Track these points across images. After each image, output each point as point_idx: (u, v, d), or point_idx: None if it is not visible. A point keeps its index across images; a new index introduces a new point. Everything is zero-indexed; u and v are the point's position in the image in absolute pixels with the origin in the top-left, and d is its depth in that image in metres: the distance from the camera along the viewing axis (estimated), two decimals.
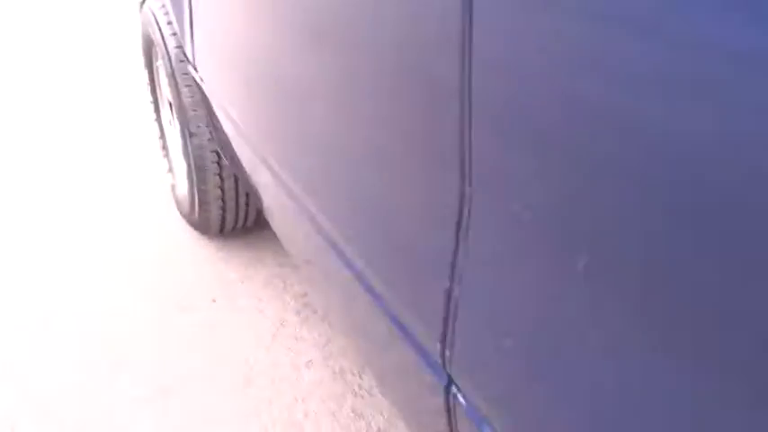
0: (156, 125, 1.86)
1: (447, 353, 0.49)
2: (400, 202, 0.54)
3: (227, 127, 1.21)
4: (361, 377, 1.30)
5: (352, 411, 1.22)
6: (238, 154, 1.20)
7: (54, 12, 3.85)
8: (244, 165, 1.21)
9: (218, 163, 1.47)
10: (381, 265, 0.59)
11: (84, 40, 3.40)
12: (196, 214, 1.62)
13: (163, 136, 1.81)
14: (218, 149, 1.42)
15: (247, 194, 1.54)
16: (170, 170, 1.80)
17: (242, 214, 1.60)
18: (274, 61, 0.87)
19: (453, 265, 0.45)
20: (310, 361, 1.33)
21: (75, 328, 1.41)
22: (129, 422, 1.19)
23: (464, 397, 0.49)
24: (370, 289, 0.61)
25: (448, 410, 0.51)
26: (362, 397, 1.25)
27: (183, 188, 1.68)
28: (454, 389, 0.50)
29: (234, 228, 1.66)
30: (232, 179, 1.50)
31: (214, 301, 1.51)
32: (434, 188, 0.48)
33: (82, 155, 2.17)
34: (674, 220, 0.32)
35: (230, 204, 1.55)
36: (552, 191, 0.39)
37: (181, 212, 1.75)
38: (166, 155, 1.81)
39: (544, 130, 0.38)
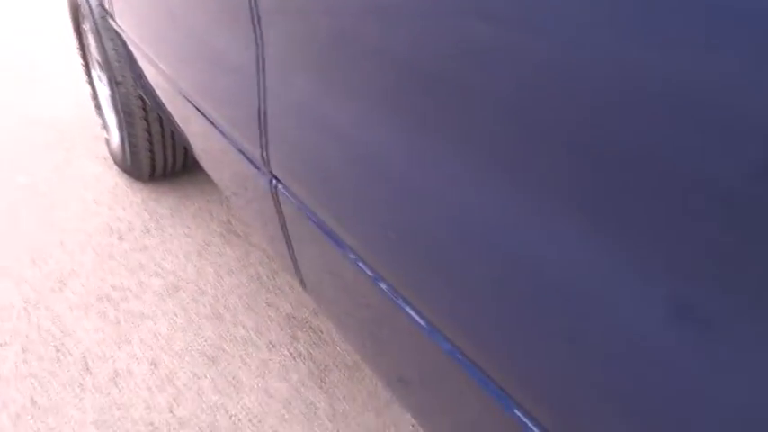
0: (88, 86, 2.03)
1: (265, 155, 0.72)
2: (233, 65, 0.77)
3: (147, 68, 1.41)
4: (274, 278, 1.52)
5: (266, 303, 1.44)
6: (159, 92, 1.41)
7: None
8: (164, 100, 1.41)
9: (144, 108, 1.66)
10: (224, 109, 0.83)
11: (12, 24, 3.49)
12: (128, 161, 1.81)
13: (95, 95, 1.99)
14: (143, 95, 1.62)
15: (173, 137, 1.74)
16: (104, 126, 1.98)
17: (169, 156, 1.80)
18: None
19: (259, 91, 0.68)
20: (231, 270, 1.55)
21: (28, 258, 1.59)
22: (73, 323, 1.39)
23: (284, 188, 0.72)
24: (217, 125, 0.85)
25: (275, 201, 0.74)
26: (275, 293, 1.48)
27: (115, 139, 1.87)
28: (275, 182, 0.73)
29: (164, 171, 1.85)
30: (157, 123, 1.69)
31: (148, 230, 1.71)
32: (244, 48, 0.70)
33: (17, 125, 2.31)
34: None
35: (158, 147, 1.75)
36: (312, 37, 0.62)
37: (115, 162, 1.94)
38: (100, 112, 1.99)
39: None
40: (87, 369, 1.27)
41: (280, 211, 0.75)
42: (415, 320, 0.57)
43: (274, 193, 0.74)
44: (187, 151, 1.78)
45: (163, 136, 1.73)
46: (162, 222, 1.74)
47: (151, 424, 1.15)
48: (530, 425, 0.46)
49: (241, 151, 0.80)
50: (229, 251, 1.62)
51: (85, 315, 1.41)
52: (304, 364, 1.28)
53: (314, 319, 1.40)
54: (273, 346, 1.32)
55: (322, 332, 1.36)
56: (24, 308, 1.43)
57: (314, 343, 1.33)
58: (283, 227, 0.76)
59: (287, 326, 1.37)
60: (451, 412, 0.63)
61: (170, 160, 1.81)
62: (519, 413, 0.47)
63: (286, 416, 1.16)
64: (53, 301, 1.45)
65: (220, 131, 0.86)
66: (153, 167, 1.81)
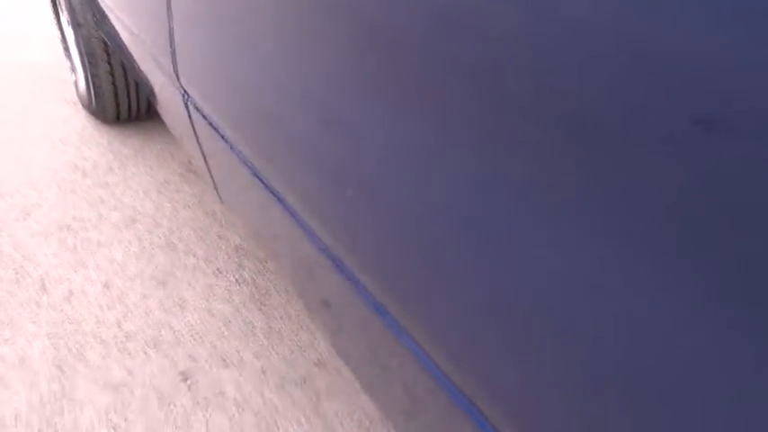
0: (58, 32, 2.08)
1: (176, 70, 0.79)
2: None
3: (104, 9, 1.46)
4: (228, 214, 1.60)
5: (217, 236, 1.53)
6: (114, 31, 1.46)
7: None
8: (118, 39, 1.47)
9: (106, 50, 1.72)
10: (149, 31, 0.90)
11: None
12: (94, 103, 1.87)
13: (64, 39, 2.04)
14: (104, 37, 1.67)
15: (136, 82, 1.80)
16: (72, 69, 2.04)
17: (133, 99, 1.86)
18: None
19: (168, 9, 0.75)
20: (187, 205, 1.63)
21: None
22: (33, 249, 1.47)
23: (192, 101, 0.79)
24: (149, 51, 0.93)
25: (188, 115, 0.82)
26: (227, 227, 1.56)
27: (82, 82, 1.93)
28: (186, 96, 0.80)
29: (128, 115, 1.92)
30: (120, 66, 1.75)
31: (111, 169, 1.78)
32: None
33: None
34: None
35: (121, 90, 1.81)
36: None
37: (83, 105, 2.00)
38: (68, 56, 2.04)
39: None
40: (44, 289, 1.35)
41: (193, 125, 0.83)
42: (317, 243, 0.62)
43: (186, 107, 0.81)
44: None
45: (126, 78, 1.79)
46: (125, 162, 1.81)
47: (100, 336, 1.24)
48: (417, 348, 0.50)
49: (163, 71, 0.87)
50: (187, 188, 1.70)
51: (45, 242, 1.49)
52: (247, 288, 1.37)
53: (261, 249, 1.48)
54: (220, 272, 1.41)
55: (267, 261, 1.45)
56: None
57: (258, 271, 1.42)
58: (198, 141, 0.84)
59: (235, 255, 1.46)
60: (352, 336, 0.69)
61: (134, 103, 1.87)
62: (412, 344, 0.51)
63: (225, 332, 1.26)
64: (15, 230, 1.53)
65: (152, 57, 0.94)
66: (118, 109, 1.87)
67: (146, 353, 1.21)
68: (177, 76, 0.80)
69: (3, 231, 1.52)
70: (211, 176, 0.88)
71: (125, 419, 1.08)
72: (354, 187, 0.52)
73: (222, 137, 0.75)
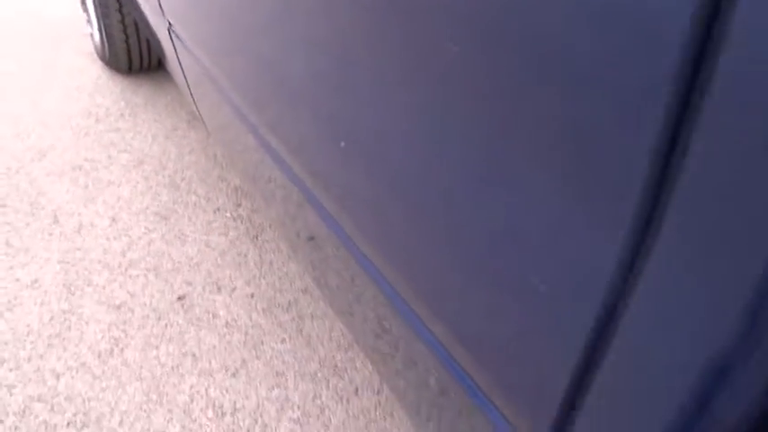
0: None
1: (161, 3, 0.86)
2: None
3: None
4: (230, 159, 1.69)
5: (218, 178, 1.62)
6: None
7: None
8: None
9: (119, 1, 1.79)
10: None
11: None
12: (107, 53, 1.96)
13: None
14: None
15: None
16: (89, 21, 2.12)
17: (144, 50, 1.94)
18: None
19: None
20: (192, 150, 1.72)
21: (12, 133, 1.77)
22: (48, 186, 1.57)
23: (175, 31, 0.87)
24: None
25: (172, 43, 0.89)
26: (227, 170, 1.65)
27: (97, 33, 2.01)
28: (169, 25, 0.87)
29: (140, 65, 2.00)
30: (132, 17, 1.82)
31: (122, 115, 1.87)
32: None
33: (13, 18, 2.46)
34: None
35: (133, 40, 1.89)
36: None
37: (98, 55, 2.09)
38: (85, 8, 2.13)
39: None
40: (56, 221, 1.46)
41: (177, 53, 0.90)
42: (288, 173, 0.69)
43: (170, 36, 0.89)
44: None
45: (137, 29, 1.86)
46: (136, 110, 1.90)
47: (106, 263, 1.34)
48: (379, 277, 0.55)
49: (153, 7, 0.95)
50: (193, 135, 1.79)
51: (59, 180, 1.59)
52: (243, 224, 1.46)
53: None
54: (219, 210, 1.50)
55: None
56: (6, 173, 1.61)
57: (254, 209, 1.51)
58: (182, 69, 0.91)
59: (233, 195, 1.55)
60: (328, 268, 0.73)
61: (145, 53, 1.95)
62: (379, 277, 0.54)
63: (220, 262, 1.35)
64: (32, 169, 1.63)
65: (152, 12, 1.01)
66: (129, 60, 1.95)
67: (146, 278, 1.31)
68: (161, 7, 0.87)
69: (21, 170, 1.62)
70: (197, 107, 0.96)
71: (125, 334, 1.19)
72: (325, 122, 0.55)
73: (197, 60, 0.82)
